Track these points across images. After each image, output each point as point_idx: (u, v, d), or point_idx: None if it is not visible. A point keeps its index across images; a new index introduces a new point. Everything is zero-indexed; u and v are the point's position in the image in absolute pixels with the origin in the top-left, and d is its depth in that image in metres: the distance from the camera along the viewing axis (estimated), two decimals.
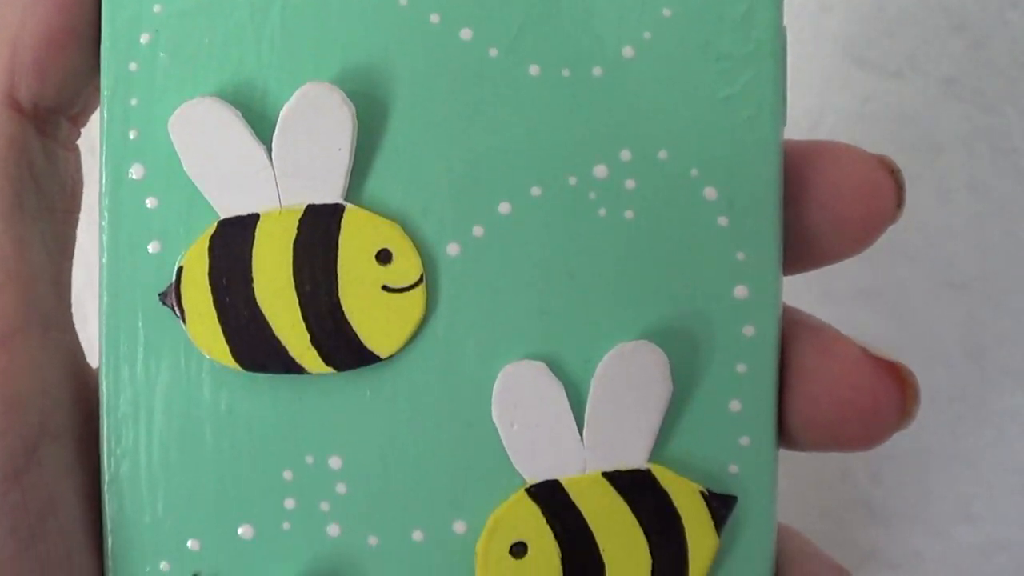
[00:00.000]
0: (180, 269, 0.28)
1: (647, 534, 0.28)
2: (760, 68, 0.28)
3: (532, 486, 0.28)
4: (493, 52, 0.28)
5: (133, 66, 0.28)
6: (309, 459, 0.28)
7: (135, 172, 0.28)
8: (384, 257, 0.28)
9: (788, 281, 0.30)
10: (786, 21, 0.28)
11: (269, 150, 0.28)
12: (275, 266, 0.28)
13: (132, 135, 0.28)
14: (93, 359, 0.30)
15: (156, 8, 0.28)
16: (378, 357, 0.28)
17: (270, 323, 0.28)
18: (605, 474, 0.28)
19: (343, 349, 0.28)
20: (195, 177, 0.28)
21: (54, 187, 0.29)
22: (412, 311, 0.28)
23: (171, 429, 0.28)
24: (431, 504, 0.28)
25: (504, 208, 0.28)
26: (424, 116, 0.28)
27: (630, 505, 0.28)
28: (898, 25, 0.51)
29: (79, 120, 0.30)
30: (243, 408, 0.28)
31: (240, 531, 0.28)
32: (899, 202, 0.28)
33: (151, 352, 0.28)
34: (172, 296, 0.28)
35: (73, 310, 0.30)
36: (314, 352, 0.28)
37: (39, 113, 0.29)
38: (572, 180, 0.28)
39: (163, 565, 0.29)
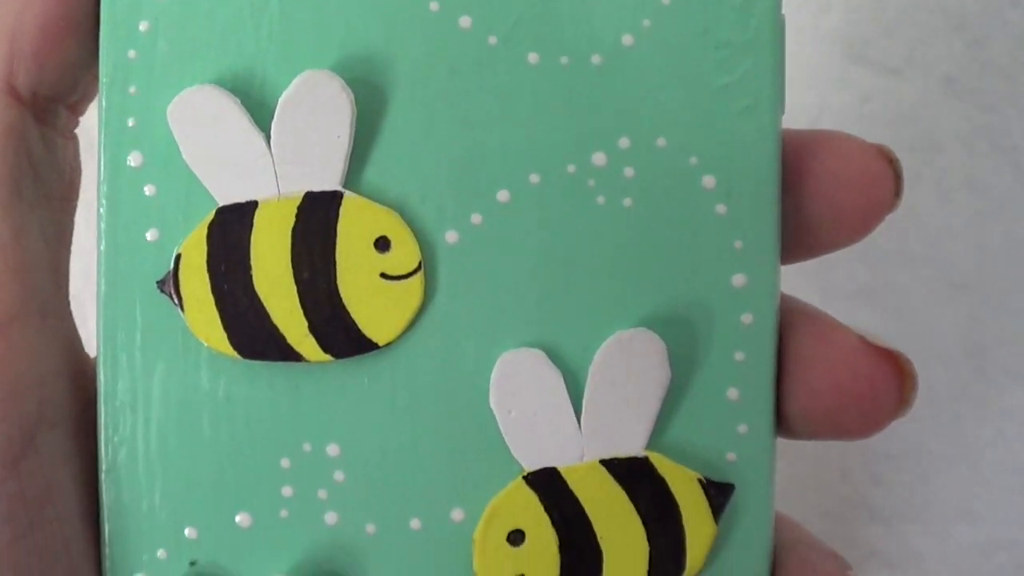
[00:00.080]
0: (178, 257, 0.28)
1: (645, 522, 0.28)
2: (759, 56, 0.28)
3: (530, 474, 0.28)
4: (492, 40, 0.28)
5: (132, 54, 0.28)
6: (307, 447, 0.28)
7: (133, 160, 0.28)
8: (382, 245, 0.28)
9: (787, 280, 0.30)
10: (786, 18, 0.28)
11: (268, 138, 0.28)
12: (273, 254, 0.28)
13: (131, 123, 0.28)
14: (90, 348, 0.30)
15: None
16: (376, 345, 0.28)
17: (268, 311, 0.28)
18: (603, 462, 0.28)
19: (341, 337, 0.28)
20: (194, 165, 0.28)
21: (52, 175, 0.29)
22: (410, 299, 0.28)
23: (169, 417, 0.28)
24: (429, 492, 0.28)
25: (503, 196, 0.28)
26: (423, 104, 0.28)
27: (628, 493, 0.28)
28: (897, 24, 0.51)
29: (78, 108, 0.30)
30: (241, 396, 0.28)
31: (238, 519, 0.28)
32: (897, 191, 0.28)
33: (149, 340, 0.28)
34: (170, 284, 0.28)
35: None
36: (312, 340, 0.28)
37: (38, 101, 0.29)
38: (571, 168, 0.28)
39: (160, 553, 0.29)
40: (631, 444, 0.28)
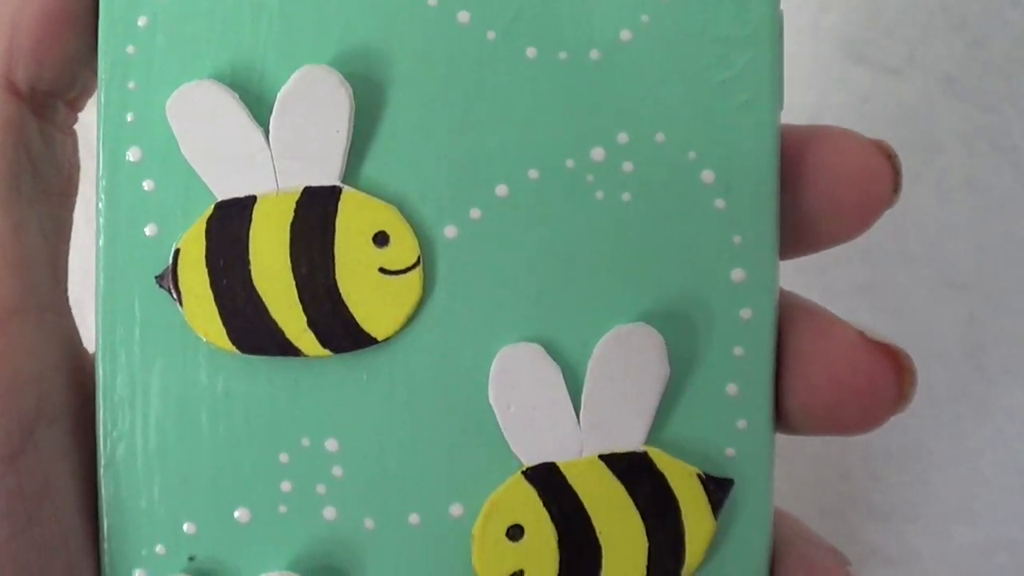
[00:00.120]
0: (177, 252, 0.28)
1: (644, 517, 0.28)
2: (757, 52, 0.28)
3: (529, 469, 0.28)
4: (491, 35, 0.28)
5: (131, 49, 0.28)
6: (305, 442, 0.28)
7: (132, 155, 0.28)
8: (381, 240, 0.28)
9: (786, 280, 0.30)
10: (785, 19, 0.28)
11: (266, 133, 0.28)
12: (272, 249, 0.28)
13: (129, 118, 0.28)
14: (89, 345, 0.30)
15: None
16: (375, 340, 0.28)
17: (267, 306, 0.28)
18: (602, 457, 0.28)
19: (340, 332, 0.28)
20: (192, 160, 0.28)
21: (51, 170, 0.29)
22: (409, 294, 0.28)
23: (167, 412, 0.28)
24: (428, 487, 0.28)
25: (501, 191, 0.28)
26: (421, 99, 0.28)
27: (627, 488, 0.28)
28: (897, 23, 0.51)
29: (76, 104, 0.30)
30: (240, 391, 0.28)
31: (236, 514, 0.28)
32: (896, 187, 0.28)
33: (148, 335, 0.28)
34: (169, 279, 0.28)
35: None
36: (311, 335, 0.28)
37: (36, 96, 0.29)
38: (570, 163, 0.28)
39: (159, 548, 0.28)
40: (630, 439, 0.28)
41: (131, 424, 0.28)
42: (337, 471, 0.28)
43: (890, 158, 0.28)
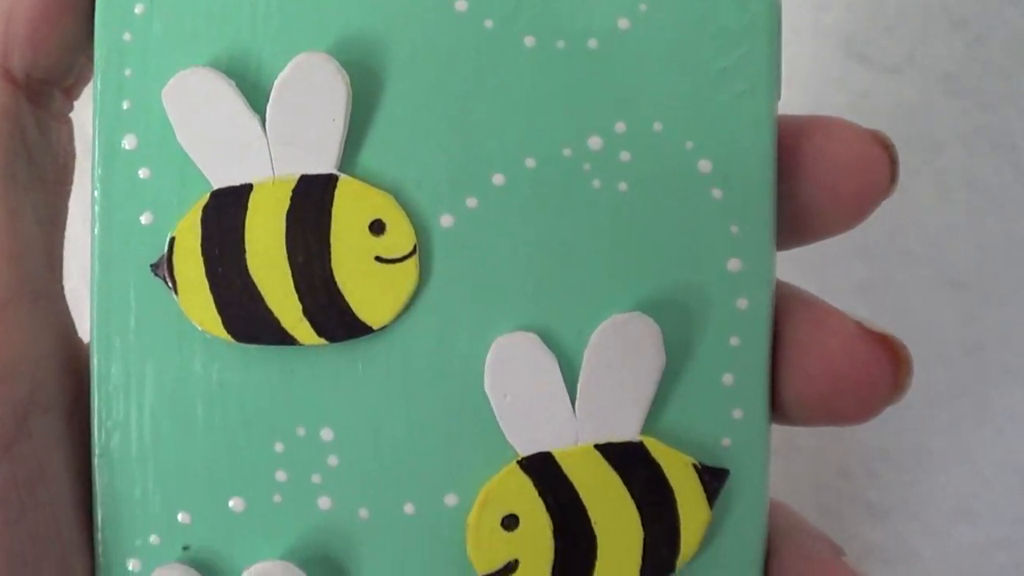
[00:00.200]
0: (172, 240, 0.28)
1: (639, 507, 0.28)
2: (755, 42, 0.28)
3: (524, 458, 0.28)
4: (488, 24, 0.28)
5: (127, 36, 0.28)
6: (301, 431, 0.28)
7: (128, 143, 0.28)
8: (377, 228, 0.28)
9: (785, 277, 0.29)
10: (784, 17, 0.28)
11: (263, 120, 0.27)
12: (268, 236, 0.28)
13: (125, 105, 0.28)
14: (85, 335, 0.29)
15: None
16: (370, 328, 0.28)
17: (262, 294, 0.28)
18: (597, 446, 0.28)
19: (335, 320, 0.28)
20: (188, 147, 0.28)
21: (46, 158, 0.29)
22: (405, 282, 0.28)
23: (162, 401, 0.28)
24: (423, 476, 0.28)
25: (498, 179, 0.28)
26: (418, 87, 0.28)
27: (622, 477, 0.28)
28: (897, 22, 0.51)
29: (72, 92, 0.30)
30: (235, 380, 0.28)
31: (231, 504, 0.28)
32: (893, 177, 0.28)
33: (143, 324, 0.28)
34: (164, 267, 0.28)
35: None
36: (306, 323, 0.28)
37: (32, 84, 0.29)
38: (566, 152, 0.28)
39: (153, 538, 0.28)
40: (626, 428, 0.28)
41: (126, 413, 0.28)
42: (332, 460, 0.28)
43: (887, 148, 0.28)
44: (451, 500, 0.28)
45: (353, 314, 0.28)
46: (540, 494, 0.28)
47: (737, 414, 0.28)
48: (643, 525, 0.28)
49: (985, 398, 0.51)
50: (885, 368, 0.28)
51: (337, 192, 0.28)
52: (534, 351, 0.28)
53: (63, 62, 0.29)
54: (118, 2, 0.28)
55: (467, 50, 0.28)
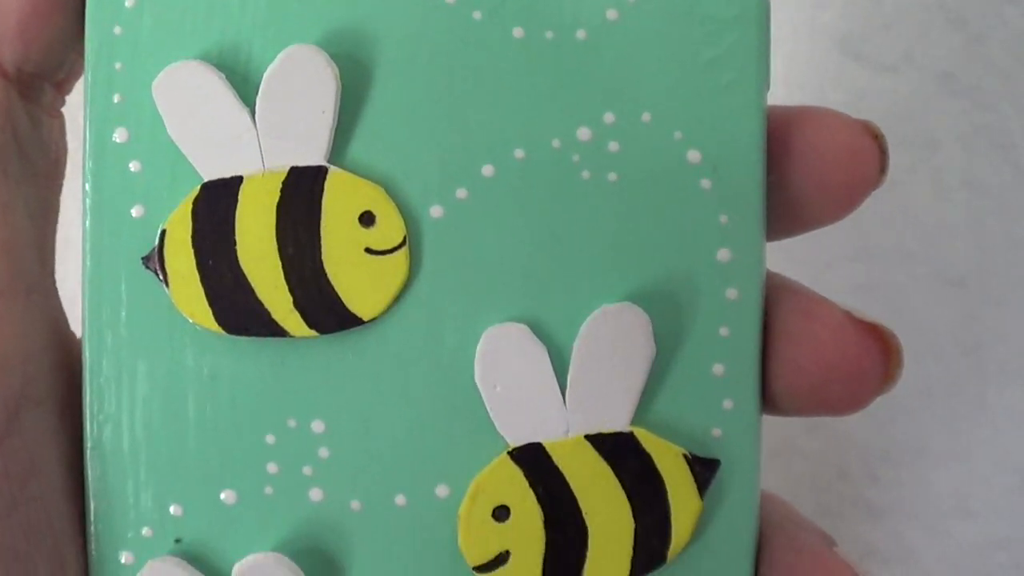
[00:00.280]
0: (163, 233, 0.28)
1: (630, 497, 0.28)
2: (744, 31, 0.28)
3: (515, 449, 0.28)
4: (477, 15, 0.28)
5: (118, 30, 0.28)
6: (292, 423, 0.28)
7: (119, 136, 0.28)
8: (367, 220, 0.28)
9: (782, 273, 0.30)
10: (781, 15, 0.28)
11: (253, 113, 0.28)
12: (258, 229, 0.28)
13: (116, 99, 0.28)
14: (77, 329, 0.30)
15: None
16: (361, 320, 0.28)
17: (253, 286, 0.28)
18: (588, 437, 0.28)
19: (326, 312, 0.28)
20: (179, 140, 0.28)
21: (38, 152, 0.29)
22: (395, 274, 0.28)
23: (154, 394, 0.28)
24: (414, 468, 0.28)
25: (487, 171, 0.28)
26: (408, 79, 0.28)
27: (613, 468, 0.28)
28: (894, 20, 0.51)
29: (64, 86, 0.30)
30: (226, 372, 0.28)
31: (222, 496, 0.28)
32: (882, 167, 0.28)
33: (134, 316, 0.28)
34: (155, 260, 0.28)
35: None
36: (297, 315, 0.28)
37: (23, 78, 0.29)
38: (555, 143, 0.28)
39: (145, 531, 0.28)
40: (616, 419, 0.28)
41: (117, 406, 0.28)
42: (323, 452, 0.28)
43: (877, 138, 0.28)
44: (442, 491, 0.28)
45: (343, 306, 0.28)
46: (531, 485, 0.28)
47: (728, 404, 0.28)
48: (634, 516, 0.28)
49: (983, 397, 0.51)
50: (875, 358, 0.28)
51: (327, 184, 0.28)
52: (524, 342, 0.28)
53: (54, 56, 0.29)
54: None
55: (456, 42, 0.28)
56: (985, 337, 0.51)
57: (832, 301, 0.29)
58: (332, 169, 0.28)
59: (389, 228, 0.28)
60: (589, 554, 0.28)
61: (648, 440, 0.28)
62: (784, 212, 0.29)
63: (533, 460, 0.28)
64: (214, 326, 0.28)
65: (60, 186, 0.31)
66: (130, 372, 0.28)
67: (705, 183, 0.28)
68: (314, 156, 0.28)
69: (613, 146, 0.28)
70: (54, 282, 0.30)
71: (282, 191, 0.28)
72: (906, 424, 0.52)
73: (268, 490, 0.28)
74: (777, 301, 0.29)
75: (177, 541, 0.28)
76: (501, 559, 0.28)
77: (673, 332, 0.28)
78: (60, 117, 0.31)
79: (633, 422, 0.28)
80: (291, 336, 0.28)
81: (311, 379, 0.28)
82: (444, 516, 0.28)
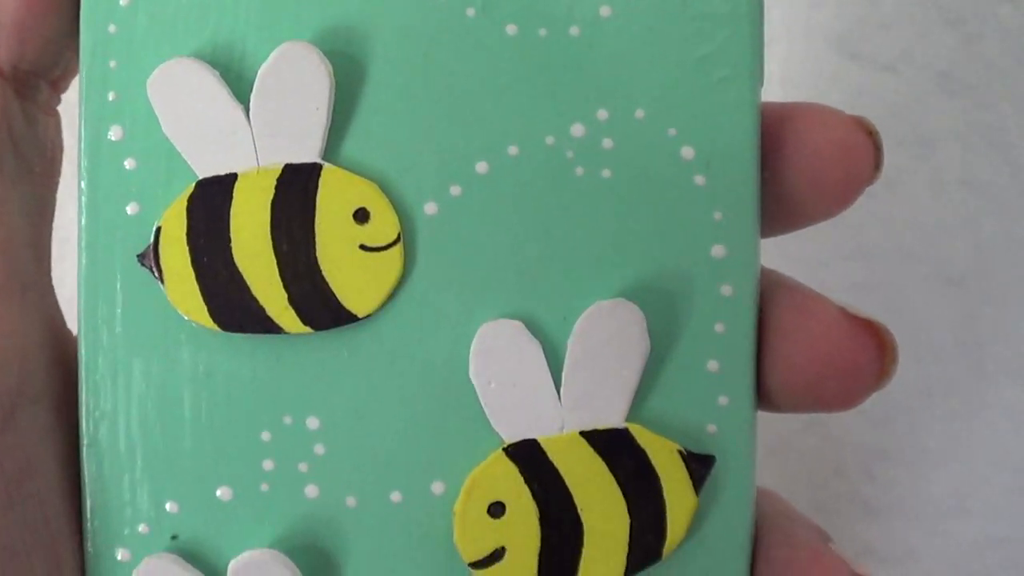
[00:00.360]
0: (158, 230, 0.28)
1: (625, 494, 0.28)
2: (737, 27, 0.28)
3: (510, 446, 0.28)
4: (470, 12, 0.28)
5: (112, 28, 0.28)
6: (287, 420, 0.28)
7: (114, 134, 0.28)
8: (361, 216, 0.28)
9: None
10: (778, 15, 0.29)
11: (247, 110, 0.28)
12: (253, 226, 0.28)
13: (111, 97, 0.28)
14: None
15: None
16: (356, 317, 0.28)
17: (248, 283, 0.28)
18: (583, 433, 0.28)
19: (321, 309, 0.28)
20: (173, 138, 0.28)
21: (33, 151, 0.30)
22: (389, 270, 0.28)
23: (150, 391, 0.28)
24: (409, 465, 0.28)
25: (481, 167, 0.28)
26: (402, 76, 0.28)
27: (608, 465, 0.28)
28: (891, 19, 0.51)
29: (59, 84, 0.30)
30: (221, 369, 0.28)
31: (218, 493, 0.28)
32: (877, 163, 0.28)
33: (130, 314, 0.28)
34: (150, 257, 0.28)
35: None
36: (292, 312, 0.28)
37: (19, 76, 0.29)
38: (549, 139, 0.28)
39: (142, 528, 0.28)
40: (611, 415, 0.28)
41: (113, 403, 0.28)
42: (319, 449, 0.28)
43: (871, 134, 0.28)
44: (438, 488, 0.28)
45: (338, 302, 0.28)
46: (526, 481, 0.28)
47: (723, 400, 0.28)
48: (629, 512, 0.28)
49: (981, 396, 0.51)
50: (870, 354, 0.28)
51: (321, 181, 0.28)
52: (519, 338, 0.28)
53: (49, 54, 0.29)
54: None
55: (450, 38, 0.28)
56: (983, 336, 0.51)
57: (826, 297, 0.29)
58: (326, 166, 0.28)
59: (383, 225, 0.28)
60: (584, 550, 0.28)
61: (643, 436, 0.28)
62: (778, 208, 0.29)
63: (528, 456, 0.28)
64: (209, 323, 0.28)
65: (56, 184, 0.31)
66: (126, 369, 0.28)
67: (699, 179, 0.28)
68: (308, 153, 0.28)
69: (607, 143, 0.28)
70: (50, 280, 0.30)
71: (276, 188, 0.28)
72: (903, 423, 0.52)
73: (264, 487, 0.28)
74: (772, 297, 0.29)
75: (173, 538, 0.28)
76: (497, 555, 0.28)
77: (668, 328, 0.28)
78: (56, 115, 0.31)
79: (628, 418, 0.28)
80: (286, 333, 0.28)
81: (306, 376, 0.28)
82: (439, 512, 0.28)
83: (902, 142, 0.51)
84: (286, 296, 0.28)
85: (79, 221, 0.28)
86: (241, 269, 0.28)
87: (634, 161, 0.28)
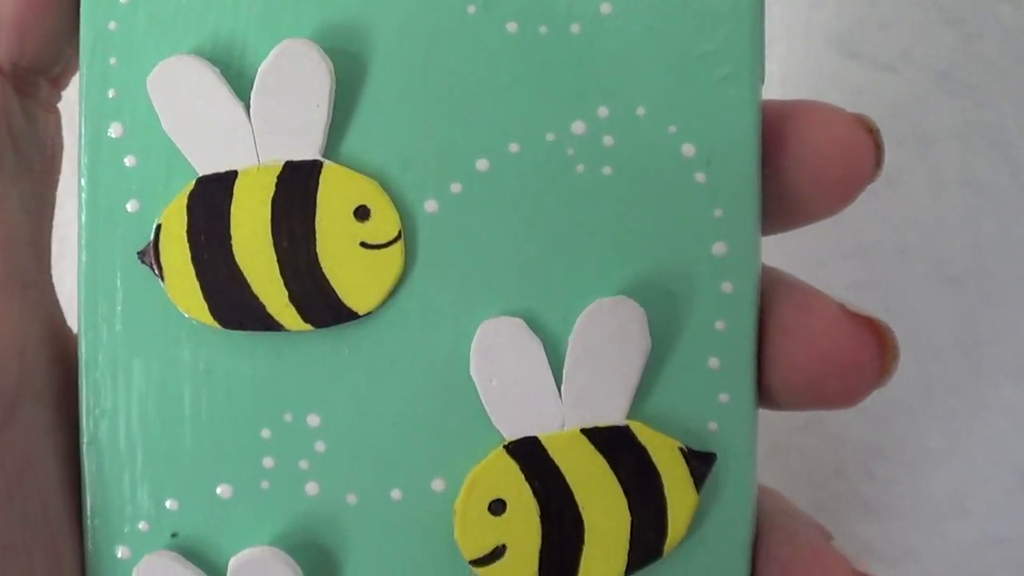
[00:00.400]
0: (159, 227, 0.28)
1: (626, 491, 0.28)
2: (738, 25, 0.28)
3: (511, 443, 0.28)
4: (471, 9, 0.28)
5: (112, 25, 0.28)
6: (288, 417, 0.28)
7: (114, 131, 0.28)
8: (362, 214, 0.28)
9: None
10: (778, 14, 0.29)
11: (247, 107, 0.28)
12: (253, 223, 0.28)
13: (111, 94, 0.28)
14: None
15: None
16: (356, 314, 0.28)
17: (248, 280, 0.28)
18: (584, 431, 0.28)
19: (321, 306, 0.28)
20: (174, 135, 0.28)
21: (33, 148, 0.30)
22: (390, 268, 0.28)
23: (150, 388, 0.28)
24: (410, 462, 0.28)
25: (482, 165, 0.28)
26: (402, 73, 0.28)
27: (609, 462, 0.28)
28: (891, 19, 0.51)
29: (59, 81, 0.30)
30: (221, 366, 0.28)
31: (219, 490, 0.28)
32: (878, 161, 0.28)
33: (130, 311, 0.28)
34: (151, 254, 0.28)
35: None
36: (292, 309, 0.28)
37: (19, 73, 0.29)
38: (550, 137, 0.28)
39: (142, 525, 0.28)
40: (612, 413, 0.28)
41: (113, 401, 0.28)
42: (319, 446, 0.28)
43: (871, 132, 0.28)
44: (438, 485, 0.28)
45: (339, 299, 0.28)
46: (527, 479, 0.28)
47: (723, 398, 0.28)
48: (630, 509, 0.28)
49: (981, 395, 0.51)
50: (871, 351, 0.28)
51: (322, 178, 0.28)
52: (520, 336, 0.28)
53: (49, 51, 0.29)
54: None
55: (450, 36, 0.28)
56: (983, 335, 0.51)
57: (827, 295, 0.29)
58: (327, 163, 0.28)
59: (384, 222, 0.28)
60: (585, 548, 0.28)
61: (644, 433, 0.28)
62: (779, 206, 0.29)
63: (529, 454, 0.28)
64: (209, 320, 0.28)
65: (56, 181, 0.31)
66: (126, 367, 0.28)
67: (699, 177, 0.28)
68: (309, 150, 0.28)
69: (607, 140, 0.28)
70: (50, 277, 0.30)
71: (277, 185, 0.28)
72: (903, 422, 0.52)
73: (264, 484, 0.28)
74: (772, 295, 0.29)
75: (173, 535, 0.28)
76: (497, 552, 0.28)
77: (668, 325, 0.28)
78: (56, 112, 0.31)
79: (629, 416, 0.28)
80: (286, 330, 0.28)
81: (307, 373, 0.28)
82: (440, 510, 0.28)
83: (902, 141, 0.51)
84: (286, 293, 0.28)
85: (79, 218, 0.28)
86: (241, 266, 0.28)
87: (635, 158, 0.28)
